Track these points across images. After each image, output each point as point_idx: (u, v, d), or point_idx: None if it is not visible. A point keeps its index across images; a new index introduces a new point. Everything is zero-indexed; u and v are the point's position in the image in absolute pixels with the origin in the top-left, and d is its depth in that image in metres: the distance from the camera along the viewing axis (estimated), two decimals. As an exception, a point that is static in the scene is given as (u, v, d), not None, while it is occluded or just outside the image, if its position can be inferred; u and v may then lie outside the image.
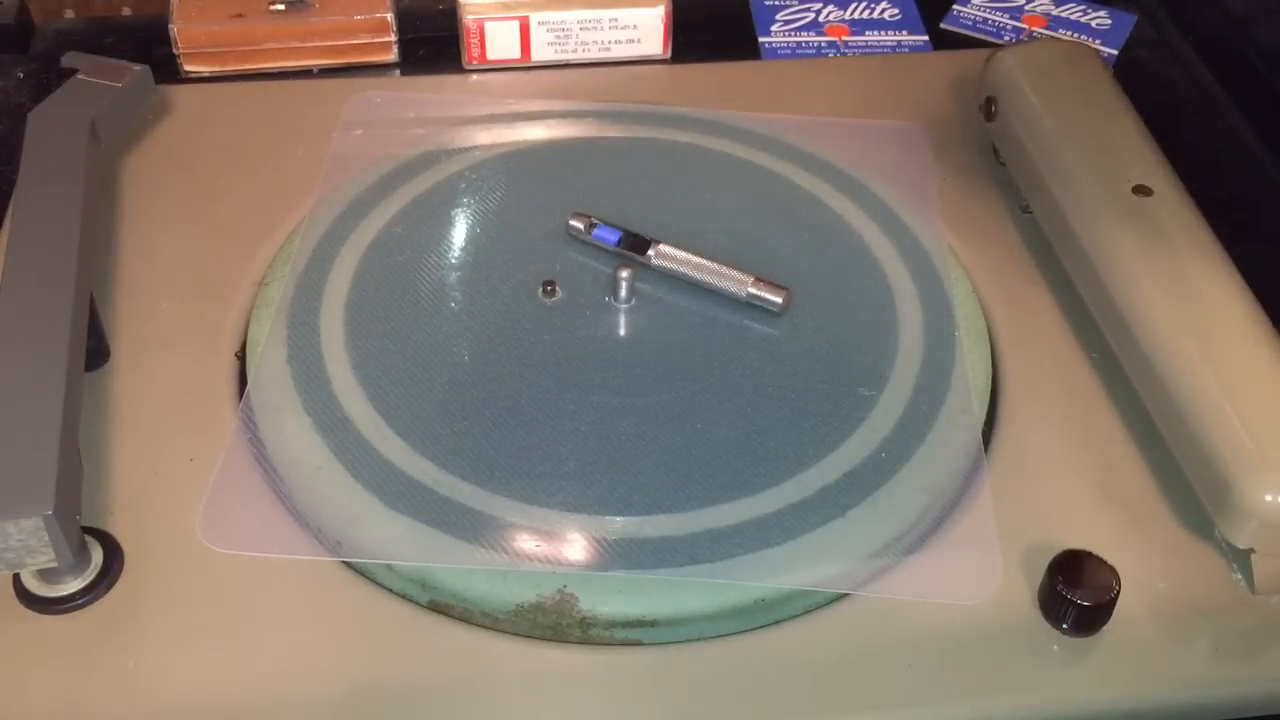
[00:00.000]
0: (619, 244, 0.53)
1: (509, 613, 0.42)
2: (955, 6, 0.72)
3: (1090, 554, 0.42)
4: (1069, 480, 0.47)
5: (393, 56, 0.67)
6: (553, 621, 0.42)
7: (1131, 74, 0.66)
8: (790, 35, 0.70)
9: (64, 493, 0.40)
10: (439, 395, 0.48)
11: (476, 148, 0.59)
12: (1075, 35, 0.70)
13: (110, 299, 0.52)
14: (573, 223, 0.54)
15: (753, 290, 0.51)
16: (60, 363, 0.44)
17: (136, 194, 0.57)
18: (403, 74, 0.67)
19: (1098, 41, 0.70)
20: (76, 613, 0.42)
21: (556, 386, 0.48)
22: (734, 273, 0.52)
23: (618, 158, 0.59)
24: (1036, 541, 0.44)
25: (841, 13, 0.71)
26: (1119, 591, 0.41)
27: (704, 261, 0.52)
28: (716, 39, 0.69)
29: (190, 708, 0.40)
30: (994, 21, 0.71)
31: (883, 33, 0.70)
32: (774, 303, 0.51)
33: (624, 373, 0.49)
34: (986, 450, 0.48)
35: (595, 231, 0.54)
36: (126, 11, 0.72)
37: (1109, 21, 0.71)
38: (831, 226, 0.56)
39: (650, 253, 0.53)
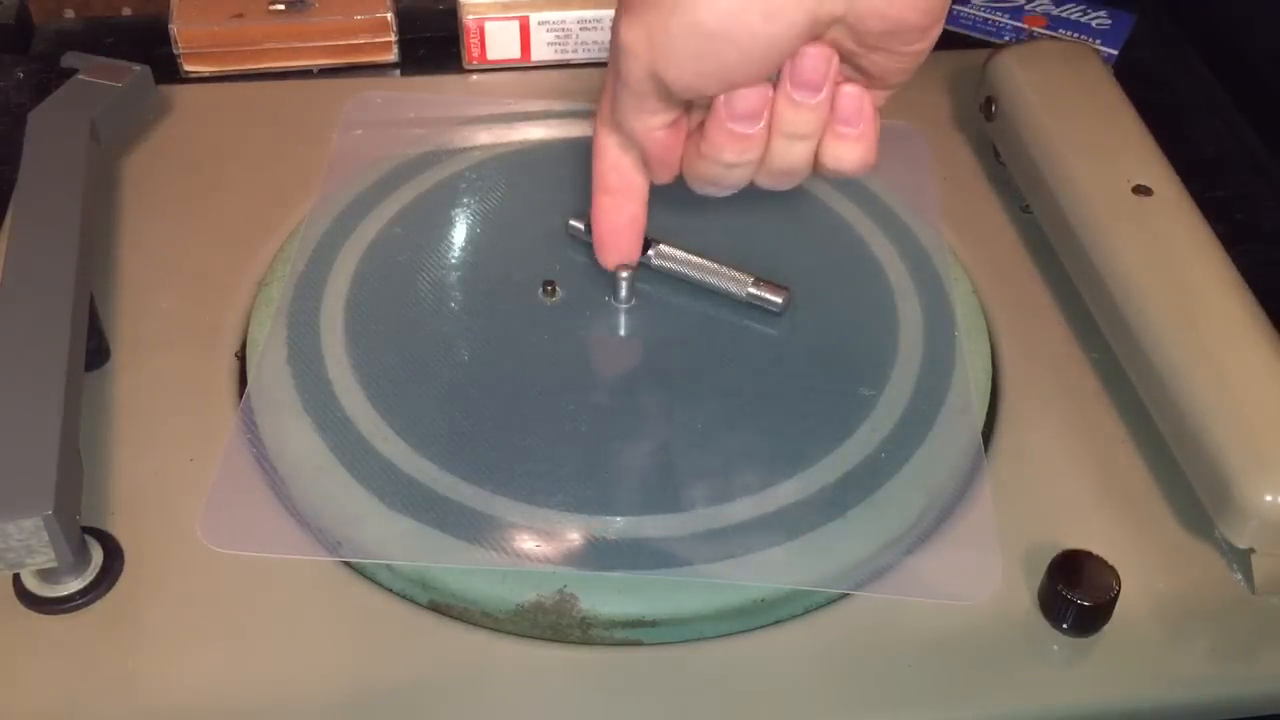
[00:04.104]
0: (619, 244, 0.53)
1: (509, 613, 0.42)
2: (955, 6, 0.72)
3: (1090, 554, 0.42)
4: (1069, 480, 0.47)
5: (393, 56, 0.67)
6: (553, 621, 0.42)
7: (1131, 74, 0.66)
8: (790, 35, 0.70)
9: (64, 493, 0.40)
10: (439, 395, 0.48)
11: (476, 148, 0.59)
12: (1075, 35, 0.70)
13: (110, 299, 0.52)
14: (573, 223, 0.54)
15: (753, 290, 0.51)
16: (60, 363, 0.44)
17: (136, 194, 0.57)
18: (403, 74, 0.67)
19: (1098, 41, 0.69)
20: (76, 613, 0.42)
21: (556, 386, 0.48)
22: (734, 273, 0.52)
23: (618, 158, 0.59)
24: (1036, 541, 0.44)
25: (841, 13, 0.71)
26: (1119, 591, 0.41)
27: (704, 261, 0.52)
28: (716, 39, 0.69)
29: (190, 708, 0.40)
30: (994, 21, 0.71)
31: (883, 33, 0.70)
32: (774, 303, 0.51)
33: (624, 372, 0.49)
34: (986, 450, 0.48)
35: (595, 231, 0.54)
36: (126, 11, 0.72)
37: (1109, 21, 0.71)
38: (831, 226, 0.56)
39: (650, 252, 0.52)
